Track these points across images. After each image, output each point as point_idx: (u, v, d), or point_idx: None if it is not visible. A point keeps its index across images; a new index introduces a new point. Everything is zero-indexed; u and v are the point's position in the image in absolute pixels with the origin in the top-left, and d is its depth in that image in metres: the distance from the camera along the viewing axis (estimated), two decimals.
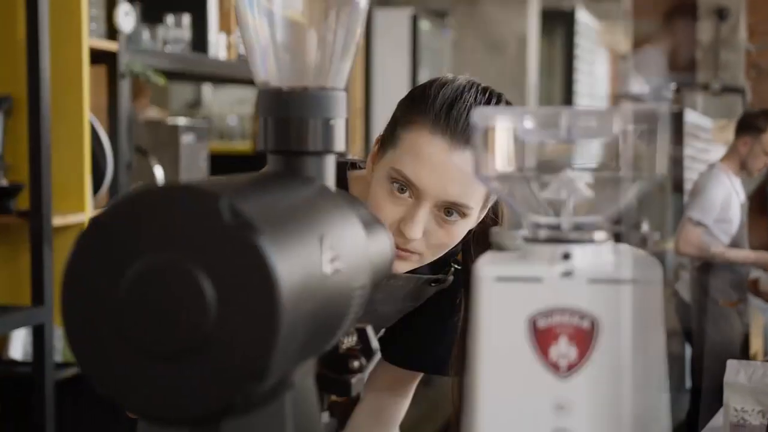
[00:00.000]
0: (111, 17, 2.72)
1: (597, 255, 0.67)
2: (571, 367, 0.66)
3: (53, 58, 2.44)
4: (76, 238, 0.61)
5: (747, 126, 4.41)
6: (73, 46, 2.53)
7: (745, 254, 4.43)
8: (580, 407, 0.66)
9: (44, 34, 2.39)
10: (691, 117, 7.01)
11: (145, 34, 3.00)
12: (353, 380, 0.82)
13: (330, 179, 0.78)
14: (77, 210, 2.57)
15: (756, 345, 4.90)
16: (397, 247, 1.25)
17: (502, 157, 0.69)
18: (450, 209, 1.25)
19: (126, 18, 2.69)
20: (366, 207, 0.85)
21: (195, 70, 3.26)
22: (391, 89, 4.87)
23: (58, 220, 2.46)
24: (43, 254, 2.37)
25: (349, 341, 0.84)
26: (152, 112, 4.19)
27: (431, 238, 1.26)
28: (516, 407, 0.66)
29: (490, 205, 1.33)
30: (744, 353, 4.38)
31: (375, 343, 0.86)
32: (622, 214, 0.69)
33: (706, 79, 7.19)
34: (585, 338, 0.65)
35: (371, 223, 0.83)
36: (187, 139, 3.17)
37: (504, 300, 0.66)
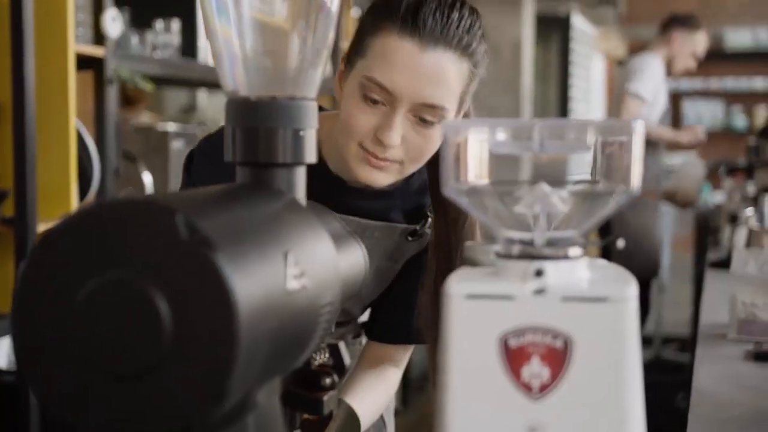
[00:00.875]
0: (98, 22, 2.70)
1: (571, 271, 0.65)
2: (544, 388, 0.64)
3: (39, 64, 2.42)
4: (29, 252, 0.59)
5: (682, 22, 4.56)
6: (60, 52, 2.50)
7: (669, 133, 4.60)
8: (553, 430, 0.64)
9: (29, 40, 2.36)
10: (578, 22, 7.07)
11: (134, 39, 2.98)
12: (325, 398, 0.80)
13: (300, 191, 0.76)
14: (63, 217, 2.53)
15: None
16: (376, 157, 1.25)
17: (473, 170, 0.67)
18: (425, 114, 1.24)
19: (113, 23, 2.67)
20: (338, 220, 0.83)
21: (184, 76, 3.24)
22: None
23: (43, 228, 2.43)
24: None
25: (321, 358, 0.82)
26: (145, 118, 4.17)
27: (409, 145, 1.25)
28: (487, 429, 0.64)
29: (465, 109, 1.32)
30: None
31: (347, 359, 0.83)
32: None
33: None
34: (558, 358, 0.63)
35: (343, 236, 0.81)
36: (177, 145, 3.15)
37: (474, 318, 0.64)
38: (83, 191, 2.60)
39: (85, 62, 2.67)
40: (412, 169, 1.29)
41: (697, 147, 4.83)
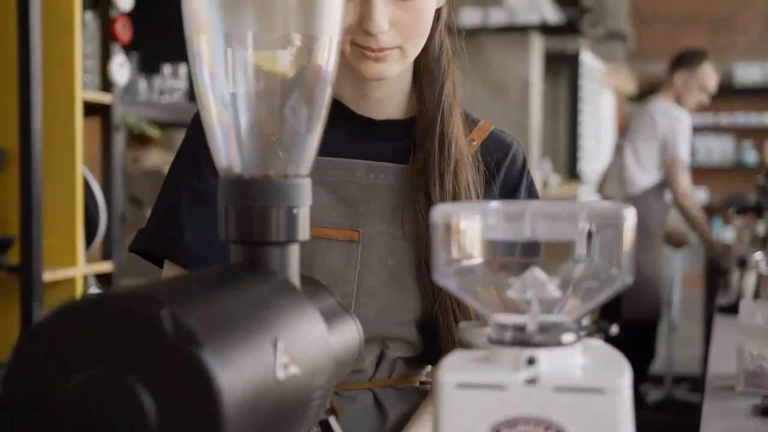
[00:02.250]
0: (106, 69, 2.71)
1: (564, 359, 0.64)
2: None
3: (46, 111, 2.43)
4: (14, 347, 0.58)
5: (683, 61, 4.60)
6: (67, 99, 2.52)
7: (709, 234, 4.63)
8: None
9: (37, 87, 2.38)
10: (586, 59, 7.06)
11: (142, 84, 2.99)
12: None
13: (293, 269, 0.75)
14: (69, 264, 2.54)
15: None
16: (372, 50, 1.20)
17: (463, 254, 0.66)
18: None
19: (121, 70, 2.68)
20: (333, 296, 0.82)
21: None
22: None
23: (48, 275, 2.44)
24: (33, 310, 2.34)
25: None
26: (156, 156, 4.19)
27: (400, 25, 1.20)
28: None
29: None
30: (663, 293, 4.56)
31: None
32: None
33: (592, 20, 7.23)
34: None
35: (336, 312, 0.80)
36: None
37: (466, 408, 0.63)
38: (89, 238, 2.61)
39: (92, 109, 2.69)
40: (414, 49, 1.23)
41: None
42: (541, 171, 6.34)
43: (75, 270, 2.55)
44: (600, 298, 0.67)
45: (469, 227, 0.66)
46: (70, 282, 2.55)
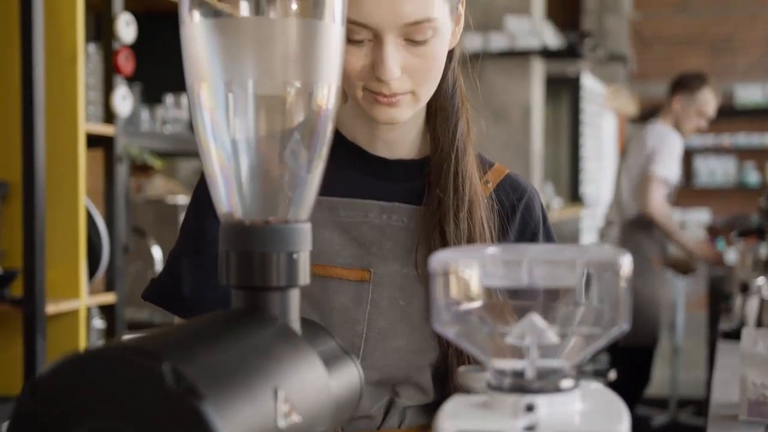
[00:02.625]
0: (109, 100, 2.73)
1: (563, 405, 0.65)
2: None
3: (49, 143, 2.44)
4: (16, 401, 0.59)
5: (682, 85, 4.58)
6: (70, 131, 2.53)
7: (690, 241, 4.59)
8: None
9: (40, 120, 2.39)
10: (587, 82, 7.06)
11: (144, 114, 3.01)
12: None
13: (294, 314, 0.75)
14: (72, 296, 2.55)
15: None
16: (384, 96, 1.18)
17: (461, 300, 0.67)
18: (414, 35, 1.16)
19: (123, 102, 2.70)
20: (334, 338, 0.83)
21: (193, 150, 3.26)
22: None
23: (52, 308, 2.44)
24: (37, 343, 2.34)
25: None
26: (159, 183, 4.20)
27: (412, 71, 1.18)
28: None
29: (458, 9, 1.25)
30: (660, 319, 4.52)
31: None
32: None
33: (593, 44, 7.22)
34: None
35: (336, 356, 0.80)
36: None
37: None
38: (92, 269, 2.61)
39: (95, 140, 2.70)
40: (427, 93, 1.22)
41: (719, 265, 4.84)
42: (543, 195, 6.35)
43: (78, 302, 2.56)
44: (599, 344, 0.67)
45: (467, 274, 0.67)
46: (74, 314, 2.56)
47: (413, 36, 1.16)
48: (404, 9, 1.14)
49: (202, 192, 1.27)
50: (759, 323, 2.80)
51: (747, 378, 1.79)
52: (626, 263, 0.64)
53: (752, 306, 2.77)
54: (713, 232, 7.80)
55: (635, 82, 10.25)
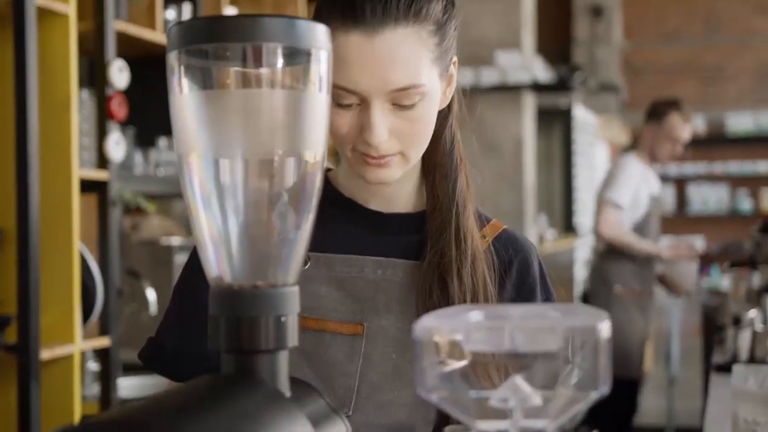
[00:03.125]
0: (102, 146, 2.75)
1: None
2: None
3: (43, 190, 2.46)
4: None
5: (651, 114, 4.61)
6: (64, 177, 2.55)
7: (650, 246, 4.55)
8: None
9: (34, 166, 2.41)
10: (579, 113, 7.11)
11: (138, 158, 3.03)
12: None
13: (282, 376, 0.77)
14: (67, 341, 2.55)
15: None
16: (373, 158, 1.19)
17: (445, 367, 0.69)
18: (401, 100, 1.17)
19: (116, 147, 2.72)
20: (323, 397, 0.84)
21: None
22: None
23: (46, 353, 2.45)
24: (31, 389, 2.35)
25: None
26: (155, 222, 4.21)
27: (400, 134, 1.19)
28: None
29: (449, 66, 1.25)
30: (640, 352, 4.48)
31: None
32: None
33: (583, 78, 7.26)
34: None
35: (325, 416, 0.82)
36: (181, 259, 3.18)
37: None
38: (87, 313, 2.62)
39: (88, 185, 2.72)
40: (416, 154, 1.23)
41: (693, 257, 4.84)
42: (536, 227, 6.37)
43: (73, 347, 2.56)
44: (581, 406, 0.69)
45: (451, 342, 0.69)
46: (68, 359, 2.56)
47: (400, 101, 1.17)
48: (391, 76, 1.15)
49: (193, 257, 1.30)
50: (751, 356, 2.82)
51: (738, 416, 1.80)
52: (605, 328, 0.66)
53: (744, 339, 2.79)
54: (706, 259, 7.81)
55: (627, 112, 10.32)
